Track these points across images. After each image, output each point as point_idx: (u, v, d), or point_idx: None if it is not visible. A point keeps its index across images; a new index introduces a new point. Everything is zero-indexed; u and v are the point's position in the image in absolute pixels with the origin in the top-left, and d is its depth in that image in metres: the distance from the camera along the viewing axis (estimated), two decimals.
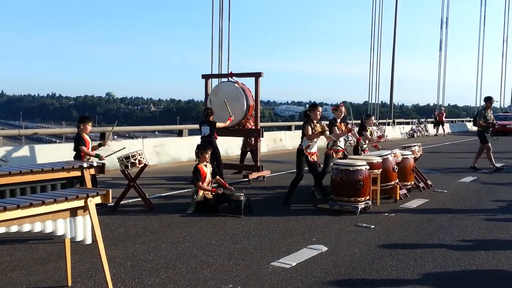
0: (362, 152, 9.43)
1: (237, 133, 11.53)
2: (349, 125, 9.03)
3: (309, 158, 8.08)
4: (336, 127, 8.78)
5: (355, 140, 9.63)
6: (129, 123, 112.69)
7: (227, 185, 7.88)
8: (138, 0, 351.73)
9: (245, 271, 4.81)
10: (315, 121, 8.13)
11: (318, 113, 8.17)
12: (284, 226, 6.68)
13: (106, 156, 7.58)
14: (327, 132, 8.07)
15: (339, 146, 8.88)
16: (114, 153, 7.93)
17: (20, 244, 5.58)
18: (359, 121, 11.03)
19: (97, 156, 7.53)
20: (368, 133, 9.89)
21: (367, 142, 9.84)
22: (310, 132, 8.00)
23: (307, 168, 8.28)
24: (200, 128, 10.15)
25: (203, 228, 6.51)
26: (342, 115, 9.06)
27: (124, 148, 8.34)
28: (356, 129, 9.96)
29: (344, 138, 9.14)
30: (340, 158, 8.57)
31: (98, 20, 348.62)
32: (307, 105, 8.83)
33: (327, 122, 9.11)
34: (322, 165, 8.68)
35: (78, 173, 5.70)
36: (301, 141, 8.19)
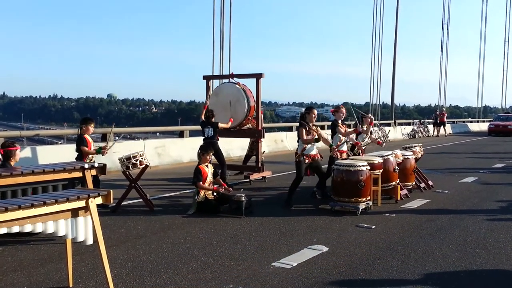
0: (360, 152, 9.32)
1: (238, 134, 11.53)
2: (358, 127, 9.05)
3: (306, 160, 8.06)
4: (339, 127, 8.80)
5: (351, 144, 9.35)
6: (130, 125, 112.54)
7: (226, 186, 7.87)
8: (139, 1, 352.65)
9: (246, 272, 4.82)
10: (310, 124, 8.14)
11: (314, 115, 8.18)
12: (285, 226, 6.69)
13: (108, 149, 7.66)
14: (323, 136, 8.09)
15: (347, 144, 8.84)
16: (113, 144, 8.32)
17: (22, 245, 5.60)
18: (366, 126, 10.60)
19: (98, 151, 7.57)
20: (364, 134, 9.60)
21: (363, 142, 9.66)
22: (304, 136, 8.01)
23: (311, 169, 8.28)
24: (203, 129, 10.13)
25: (204, 228, 6.52)
26: (343, 116, 9.05)
27: (115, 141, 8.81)
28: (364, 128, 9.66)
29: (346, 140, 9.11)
30: (344, 159, 8.53)
31: (99, 21, 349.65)
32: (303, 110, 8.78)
33: (329, 124, 9.10)
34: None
35: (79, 174, 5.72)
36: (298, 144, 8.20)
